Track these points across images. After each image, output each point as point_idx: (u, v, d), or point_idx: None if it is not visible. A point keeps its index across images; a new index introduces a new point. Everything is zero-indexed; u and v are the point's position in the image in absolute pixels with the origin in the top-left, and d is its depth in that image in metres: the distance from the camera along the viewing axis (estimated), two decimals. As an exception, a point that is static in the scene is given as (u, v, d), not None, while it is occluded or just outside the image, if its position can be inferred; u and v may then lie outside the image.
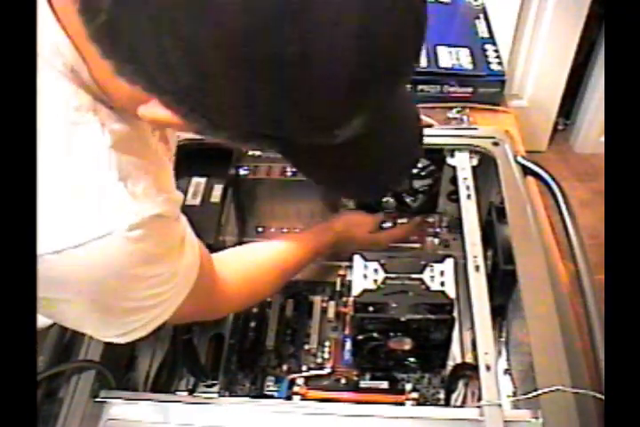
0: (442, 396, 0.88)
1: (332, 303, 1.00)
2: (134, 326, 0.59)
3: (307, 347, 0.95)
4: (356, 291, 0.83)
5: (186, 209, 0.87)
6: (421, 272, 0.85)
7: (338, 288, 1.02)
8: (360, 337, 0.84)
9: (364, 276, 0.85)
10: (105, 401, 0.68)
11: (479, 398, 0.67)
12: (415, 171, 1.02)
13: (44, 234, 0.47)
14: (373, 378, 0.90)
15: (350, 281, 0.87)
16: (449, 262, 0.86)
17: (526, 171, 0.90)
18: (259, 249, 0.83)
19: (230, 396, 0.89)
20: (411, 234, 1.06)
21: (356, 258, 0.87)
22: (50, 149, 0.47)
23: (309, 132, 0.44)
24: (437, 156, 0.98)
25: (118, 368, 0.74)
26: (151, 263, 0.54)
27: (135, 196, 0.51)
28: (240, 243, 1.07)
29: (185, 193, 0.91)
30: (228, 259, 0.75)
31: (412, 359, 0.87)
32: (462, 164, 0.94)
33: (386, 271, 0.85)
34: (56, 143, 0.47)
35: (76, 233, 0.49)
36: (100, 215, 0.49)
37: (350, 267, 0.89)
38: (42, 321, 0.64)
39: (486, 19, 1.34)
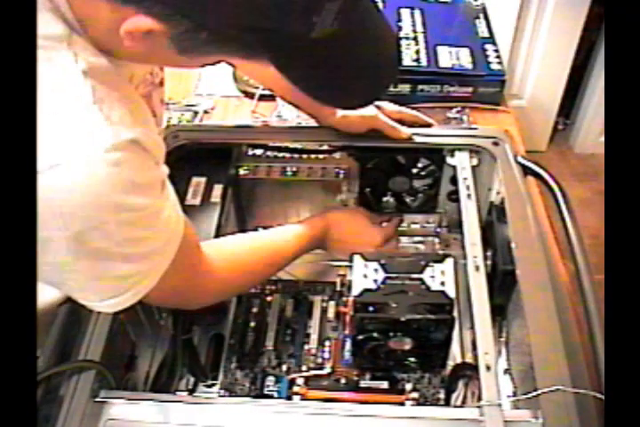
0: (442, 396, 0.88)
1: (332, 303, 1.00)
2: (119, 287, 0.59)
3: (307, 347, 0.95)
4: (356, 291, 0.83)
5: (186, 209, 0.88)
6: (421, 272, 0.85)
7: (338, 288, 1.02)
8: (360, 337, 0.84)
9: (364, 276, 0.85)
10: (105, 401, 0.68)
11: (479, 398, 0.67)
12: (415, 171, 1.02)
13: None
14: (373, 378, 0.90)
15: (350, 281, 0.87)
16: (449, 262, 0.86)
17: (526, 171, 0.90)
18: (249, 238, 0.84)
19: (230, 396, 0.89)
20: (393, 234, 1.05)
21: (356, 258, 0.87)
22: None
23: (288, 19, 0.47)
24: (437, 155, 0.98)
25: (118, 368, 0.74)
26: (130, 192, 0.54)
27: (111, 121, 0.52)
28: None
29: (185, 193, 0.91)
30: (217, 243, 0.76)
31: (412, 359, 0.87)
32: (462, 163, 0.94)
33: (386, 271, 0.85)
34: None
35: (51, 155, 0.49)
36: (74, 137, 0.50)
37: (350, 267, 0.89)
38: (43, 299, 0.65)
39: (486, 19, 1.34)
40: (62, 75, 0.51)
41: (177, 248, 0.64)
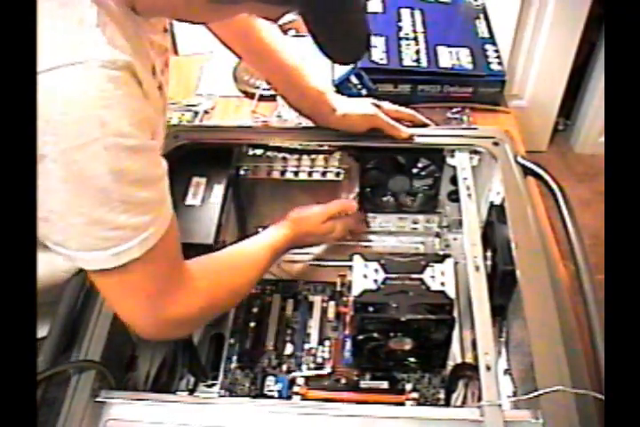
0: (442, 396, 0.88)
1: (332, 303, 1.00)
2: (100, 237, 0.58)
3: (307, 347, 0.95)
4: (356, 291, 0.83)
5: (186, 209, 0.87)
6: (421, 272, 0.85)
7: (338, 288, 1.02)
8: (360, 337, 0.84)
9: (364, 276, 0.85)
10: (105, 401, 0.68)
11: (479, 399, 0.67)
12: (415, 171, 1.02)
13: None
14: (373, 378, 0.90)
15: (350, 281, 0.87)
16: (449, 263, 0.86)
17: (526, 171, 0.90)
18: (230, 254, 0.79)
19: (230, 396, 0.89)
20: (357, 227, 1.05)
21: (357, 258, 0.88)
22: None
23: None
24: (437, 156, 0.98)
25: (118, 368, 0.74)
26: (120, 116, 0.54)
27: (113, 44, 0.55)
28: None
29: (185, 193, 0.91)
30: (199, 261, 0.73)
31: (412, 359, 0.87)
32: (462, 164, 0.94)
33: (386, 271, 0.85)
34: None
35: (50, 58, 0.51)
36: (74, 44, 0.52)
37: (350, 267, 0.89)
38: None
39: (486, 19, 1.34)
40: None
41: (169, 222, 0.63)
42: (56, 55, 0.52)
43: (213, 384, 0.91)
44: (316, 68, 1.33)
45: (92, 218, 0.57)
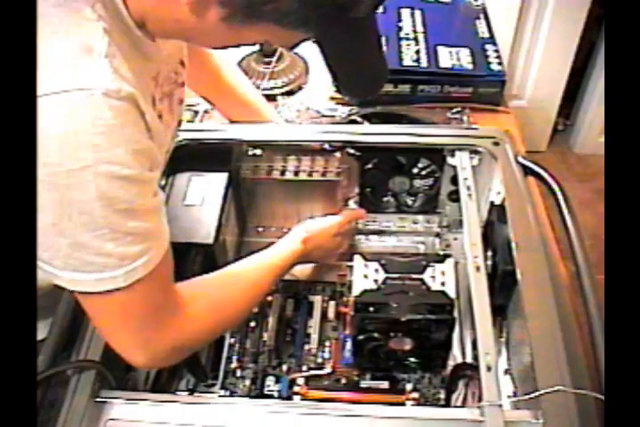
0: (442, 396, 0.88)
1: (332, 303, 1.00)
2: (98, 262, 0.57)
3: (307, 347, 0.95)
4: (356, 291, 0.83)
5: (186, 209, 0.87)
6: (422, 272, 0.85)
7: (338, 288, 1.01)
8: (360, 337, 0.84)
9: (364, 276, 0.85)
10: (105, 401, 0.68)
11: (479, 399, 0.67)
12: (415, 171, 1.02)
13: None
14: (374, 378, 0.90)
15: (351, 281, 0.87)
16: (449, 262, 0.86)
17: (527, 171, 0.90)
18: (227, 275, 0.77)
19: (230, 396, 0.89)
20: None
21: (357, 258, 0.87)
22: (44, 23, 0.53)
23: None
24: (438, 155, 0.98)
25: (118, 368, 0.74)
26: (117, 144, 0.54)
27: (119, 74, 0.55)
28: (240, 243, 1.07)
29: (184, 193, 0.91)
30: (192, 285, 0.71)
31: (412, 359, 0.87)
32: (463, 163, 0.94)
33: (386, 271, 0.85)
34: (49, 19, 0.54)
35: (55, 82, 0.52)
36: (80, 71, 0.53)
37: (351, 267, 0.89)
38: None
39: (486, 19, 1.34)
40: (79, 21, 0.54)
41: (155, 264, 0.61)
42: (61, 80, 0.52)
43: (213, 384, 0.91)
44: (317, 69, 1.33)
45: (76, 241, 0.56)
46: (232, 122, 1.06)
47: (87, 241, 0.56)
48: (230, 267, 0.78)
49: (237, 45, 0.64)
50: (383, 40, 1.25)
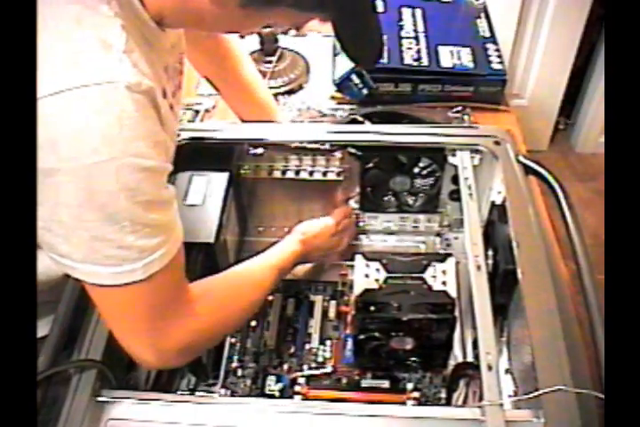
0: (443, 395, 0.88)
1: (333, 303, 1.00)
2: (118, 255, 0.58)
3: (308, 346, 0.95)
4: (357, 290, 0.83)
5: (187, 208, 0.87)
6: (423, 272, 0.85)
7: (339, 288, 1.02)
8: (361, 337, 0.84)
9: (365, 275, 0.85)
10: (106, 401, 0.68)
11: (480, 398, 0.67)
12: (416, 170, 1.02)
13: (45, 79, 0.51)
14: (375, 377, 0.90)
15: (352, 280, 0.87)
16: (450, 262, 0.86)
17: (528, 170, 0.90)
18: (231, 276, 0.77)
19: (231, 395, 0.89)
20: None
21: (358, 257, 0.87)
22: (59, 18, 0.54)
23: None
24: (439, 155, 0.98)
25: (119, 368, 0.74)
26: (137, 137, 0.55)
27: (138, 68, 0.56)
28: (241, 242, 1.07)
29: (185, 193, 0.91)
30: (203, 282, 0.72)
31: (413, 359, 0.87)
32: (464, 163, 0.94)
33: (387, 271, 0.85)
34: (66, 17, 0.54)
35: (77, 76, 0.52)
36: (101, 66, 0.54)
37: (352, 266, 0.89)
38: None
39: (487, 18, 1.34)
40: (101, 20, 0.55)
41: (171, 256, 0.62)
42: (88, 73, 0.53)
43: (214, 384, 0.91)
44: (318, 68, 1.33)
45: (98, 234, 0.57)
46: (243, 121, 1.06)
47: (109, 233, 0.57)
48: (233, 268, 0.78)
49: (248, 29, 0.67)
50: (384, 40, 1.25)
